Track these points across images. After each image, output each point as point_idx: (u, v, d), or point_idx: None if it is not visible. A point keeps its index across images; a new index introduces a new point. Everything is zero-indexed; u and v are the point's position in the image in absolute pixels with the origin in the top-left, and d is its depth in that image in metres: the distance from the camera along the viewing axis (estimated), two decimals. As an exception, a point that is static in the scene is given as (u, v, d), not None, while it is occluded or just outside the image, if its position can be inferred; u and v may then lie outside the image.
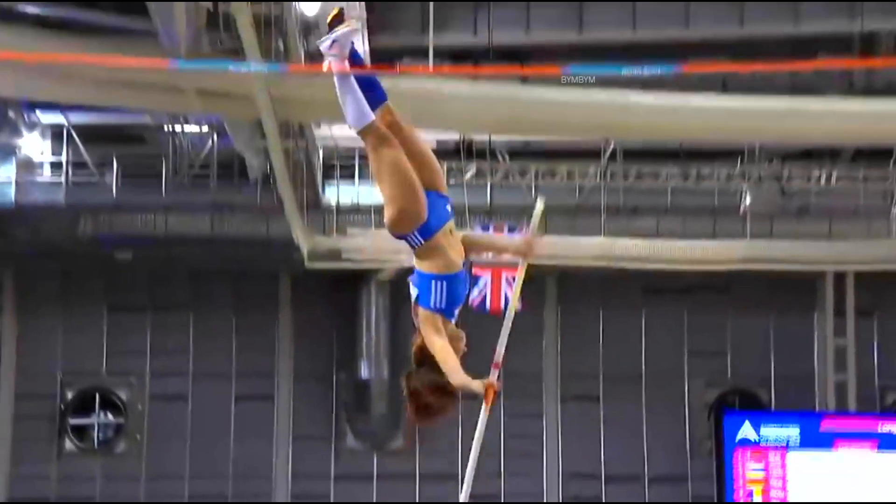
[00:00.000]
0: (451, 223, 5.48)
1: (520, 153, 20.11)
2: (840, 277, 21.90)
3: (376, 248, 19.01)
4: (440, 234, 5.31)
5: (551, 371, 22.78)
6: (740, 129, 16.39)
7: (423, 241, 5.21)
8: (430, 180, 5.39)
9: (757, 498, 21.70)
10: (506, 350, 23.63)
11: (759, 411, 22.55)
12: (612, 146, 19.72)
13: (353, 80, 5.25)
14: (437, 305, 5.32)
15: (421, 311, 5.38)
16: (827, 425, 21.86)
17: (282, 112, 15.24)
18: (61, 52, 13.81)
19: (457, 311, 5.65)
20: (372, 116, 5.25)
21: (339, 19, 5.45)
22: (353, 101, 5.18)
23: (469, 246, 5.63)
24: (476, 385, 5.46)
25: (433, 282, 5.32)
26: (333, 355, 21.94)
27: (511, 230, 19.53)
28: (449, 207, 5.52)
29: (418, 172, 5.34)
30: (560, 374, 22.82)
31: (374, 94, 5.27)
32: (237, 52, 13.89)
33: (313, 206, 19.47)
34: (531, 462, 22.59)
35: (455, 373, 5.44)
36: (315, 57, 16.27)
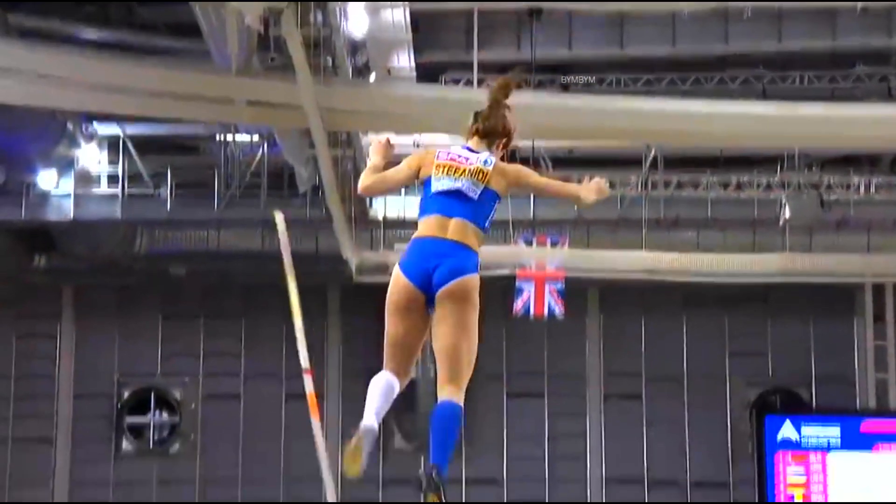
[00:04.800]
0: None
1: (563, 161, 20.38)
2: (879, 286, 22.27)
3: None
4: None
5: (594, 375, 23.14)
6: (780, 136, 16.48)
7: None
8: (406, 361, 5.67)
9: (798, 500, 22.00)
10: (549, 354, 24.01)
11: (800, 414, 22.81)
12: (653, 153, 19.95)
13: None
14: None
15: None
16: (867, 427, 22.13)
17: (330, 122, 15.58)
18: (117, 72, 14.27)
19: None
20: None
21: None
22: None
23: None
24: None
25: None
26: (381, 357, 22.30)
27: (553, 243, 19.99)
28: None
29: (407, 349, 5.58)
30: (603, 377, 23.21)
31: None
32: (287, 70, 14.28)
33: (361, 220, 19.83)
34: (575, 465, 22.98)
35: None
36: (363, 72, 16.78)
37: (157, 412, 23.33)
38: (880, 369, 22.70)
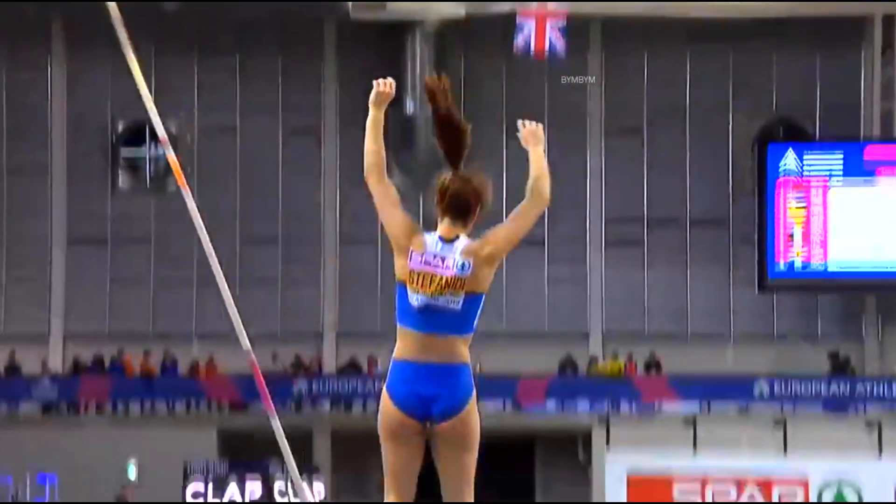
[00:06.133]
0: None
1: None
2: (889, 16, 21.69)
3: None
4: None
5: (595, 113, 22.79)
6: None
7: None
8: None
9: (798, 230, 21.96)
10: (549, 94, 23.75)
11: (803, 141, 22.60)
12: None
13: None
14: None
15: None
16: (870, 154, 21.91)
17: None
18: None
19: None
20: None
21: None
22: None
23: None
24: None
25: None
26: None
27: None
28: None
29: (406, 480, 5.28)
30: (604, 115, 22.85)
31: None
32: None
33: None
34: (575, 206, 22.86)
35: None
36: None
37: (153, 146, 23.08)
38: (886, 98, 22.34)
